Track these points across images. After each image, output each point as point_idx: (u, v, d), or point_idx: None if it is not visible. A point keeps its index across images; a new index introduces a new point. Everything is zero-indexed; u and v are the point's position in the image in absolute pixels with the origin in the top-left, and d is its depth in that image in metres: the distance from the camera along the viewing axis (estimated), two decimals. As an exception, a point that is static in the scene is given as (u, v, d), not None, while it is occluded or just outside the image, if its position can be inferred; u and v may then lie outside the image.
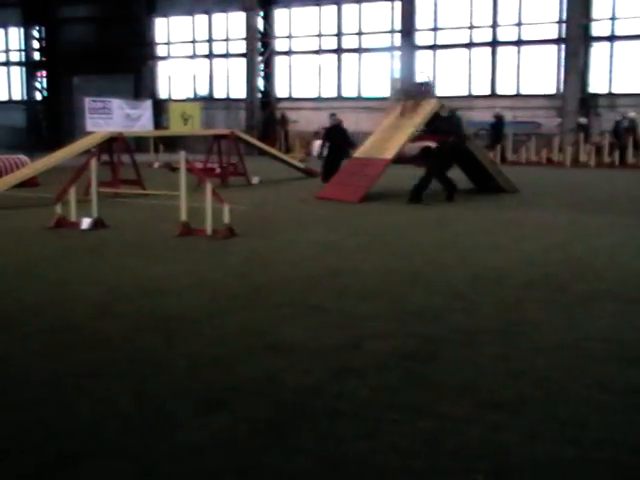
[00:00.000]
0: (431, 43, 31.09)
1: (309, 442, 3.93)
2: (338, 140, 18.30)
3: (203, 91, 35.24)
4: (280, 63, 34.01)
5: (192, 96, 34.58)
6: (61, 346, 5.58)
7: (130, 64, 34.64)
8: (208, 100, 33.59)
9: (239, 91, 34.29)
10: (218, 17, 34.48)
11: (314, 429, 4.08)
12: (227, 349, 5.49)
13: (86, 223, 11.11)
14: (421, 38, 31.20)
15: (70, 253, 9.40)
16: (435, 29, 30.91)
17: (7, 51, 38.00)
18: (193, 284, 7.63)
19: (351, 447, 3.87)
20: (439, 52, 31.03)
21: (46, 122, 35.73)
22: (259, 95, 33.67)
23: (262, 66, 33.59)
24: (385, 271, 8.29)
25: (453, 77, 30.68)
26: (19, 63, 37.72)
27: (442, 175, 14.72)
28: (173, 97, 34.47)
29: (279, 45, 33.94)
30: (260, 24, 33.36)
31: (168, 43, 35.81)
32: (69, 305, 6.78)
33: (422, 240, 10.48)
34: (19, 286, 7.55)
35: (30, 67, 36.87)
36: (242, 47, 33.91)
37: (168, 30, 35.54)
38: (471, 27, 30.27)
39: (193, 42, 35.29)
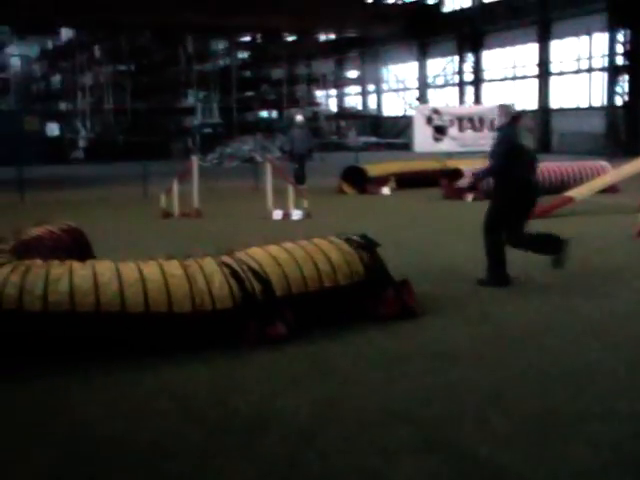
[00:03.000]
0: None
1: None
2: None
3: None
4: None
5: None
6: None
7: None
8: None
9: None
10: None
11: None
12: None
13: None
14: None
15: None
16: None
17: (590, 58, 38.49)
18: None
19: None
20: None
21: (625, 127, 35.23)
22: None
23: None
24: None
25: None
26: (601, 69, 37.89)
27: None
28: None
29: None
30: None
31: None
32: (658, 318, 6.50)
33: None
34: (612, 292, 7.47)
35: (612, 72, 36.74)
36: None
37: None
38: None
39: None
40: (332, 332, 6.13)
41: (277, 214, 13.96)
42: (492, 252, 7.90)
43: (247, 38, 52.51)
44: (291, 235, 7.64)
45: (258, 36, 51.65)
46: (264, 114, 51.84)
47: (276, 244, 6.61)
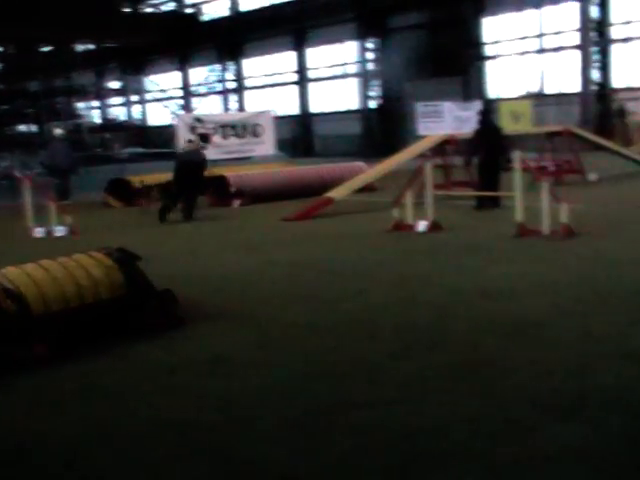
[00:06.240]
0: None
1: (673, 461, 3.60)
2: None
3: (534, 88, 34.43)
4: (617, 52, 32.10)
5: (522, 94, 33.94)
6: (407, 347, 5.73)
7: (459, 66, 34.91)
8: (539, 96, 32.73)
9: (572, 85, 32.98)
10: (549, 10, 33.44)
11: (678, 447, 3.73)
12: (572, 355, 5.25)
13: (422, 226, 11.34)
14: None
15: (409, 256, 9.64)
16: None
17: (344, 64, 40.31)
18: (532, 286, 7.43)
19: None
20: None
21: (379, 129, 37.25)
22: (594, 87, 32.10)
23: (597, 56, 31.97)
24: None
25: None
26: (355, 74, 39.82)
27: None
28: (503, 96, 34.10)
29: (616, 33, 32.04)
30: (595, 12, 31.76)
31: (497, 42, 35.52)
32: (412, 307, 6.94)
33: None
34: (368, 288, 7.88)
35: (365, 77, 38.72)
36: (575, 39, 32.56)
37: (496, 29, 35.24)
38: None
39: (523, 39, 34.61)
40: (99, 348, 5.97)
41: (39, 232, 13.36)
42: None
43: (-1, 49, 49.67)
44: (53, 252, 7.36)
45: (11, 47, 48.97)
46: (23, 128, 49.29)
47: (33, 262, 6.36)
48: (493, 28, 35.46)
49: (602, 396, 4.45)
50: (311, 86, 41.93)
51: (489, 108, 17.11)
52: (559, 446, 3.83)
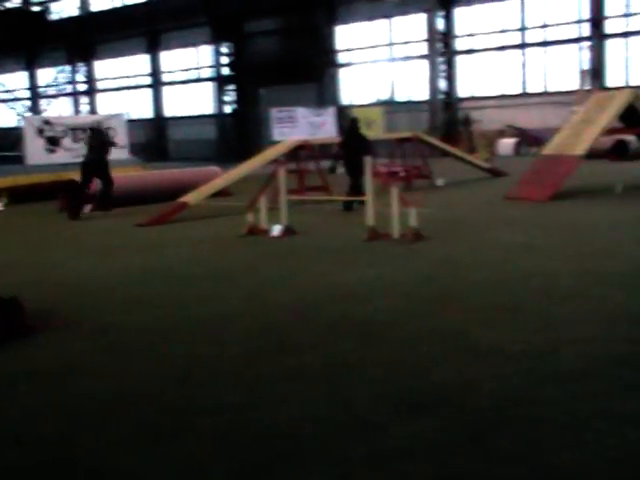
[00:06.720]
0: (623, 30, 29.52)
1: (510, 450, 3.80)
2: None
3: (385, 95, 35.44)
4: (462, 62, 33.58)
5: (374, 101, 34.86)
6: (258, 350, 5.75)
7: (313, 73, 35.44)
8: (390, 104, 33.72)
9: (421, 93, 34.20)
10: (398, 20, 34.54)
11: (515, 437, 3.95)
12: (421, 353, 5.45)
13: (276, 230, 11.43)
14: (612, 26, 29.74)
15: (263, 260, 9.69)
16: (627, 15, 29.34)
17: (198, 68, 40.02)
18: (384, 288, 7.64)
19: (554, 456, 3.70)
20: (633, 40, 29.39)
21: (235, 134, 37.21)
22: (441, 96, 33.43)
23: (444, 67, 33.33)
24: (582, 272, 7.93)
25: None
26: (210, 79, 39.59)
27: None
28: (355, 103, 34.89)
29: (461, 44, 33.51)
30: (441, 24, 33.09)
31: (349, 50, 36.32)
32: (264, 310, 6.98)
33: (621, 239, 9.93)
34: (221, 292, 7.86)
35: (220, 82, 38.57)
36: (423, 49, 33.80)
37: (349, 37, 36.05)
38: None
39: (374, 47, 35.56)
40: None
41: None
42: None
43: None
44: None
45: None
46: None
47: None
48: (346, 36, 36.25)
49: (447, 392, 4.64)
50: (165, 90, 41.36)
51: (355, 116, 17.42)
52: (409, 442, 3.96)
